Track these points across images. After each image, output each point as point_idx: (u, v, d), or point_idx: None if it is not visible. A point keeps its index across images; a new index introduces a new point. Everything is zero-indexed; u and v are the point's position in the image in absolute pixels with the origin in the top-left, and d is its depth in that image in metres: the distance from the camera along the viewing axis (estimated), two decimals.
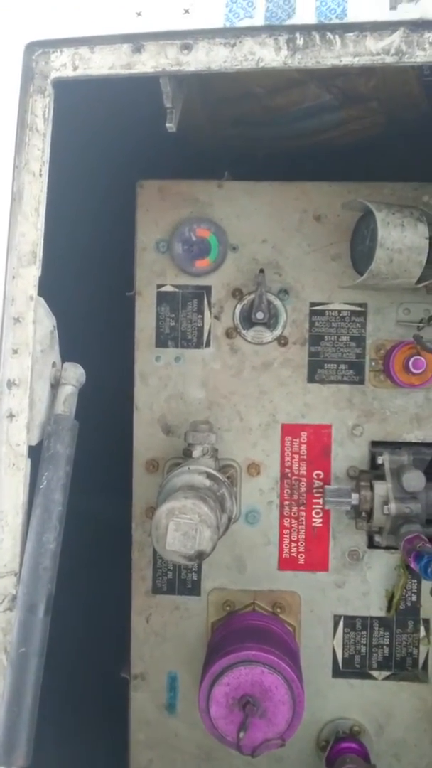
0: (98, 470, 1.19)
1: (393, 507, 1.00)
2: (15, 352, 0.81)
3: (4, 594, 0.78)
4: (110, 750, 1.14)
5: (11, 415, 0.81)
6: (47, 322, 0.85)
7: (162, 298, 1.11)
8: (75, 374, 0.86)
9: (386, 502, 1.01)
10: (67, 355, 0.91)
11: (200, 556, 0.87)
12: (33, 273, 0.82)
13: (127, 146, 1.17)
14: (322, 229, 1.09)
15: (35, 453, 0.82)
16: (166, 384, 1.11)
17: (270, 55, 0.82)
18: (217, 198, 1.10)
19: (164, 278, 1.11)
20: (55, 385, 0.86)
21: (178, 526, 0.86)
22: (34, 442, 0.82)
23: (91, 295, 1.27)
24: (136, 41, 0.84)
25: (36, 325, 0.82)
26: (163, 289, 1.11)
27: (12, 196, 0.83)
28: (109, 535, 1.22)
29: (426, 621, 1.10)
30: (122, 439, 1.12)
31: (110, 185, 1.16)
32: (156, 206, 1.10)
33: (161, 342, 1.11)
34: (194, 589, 1.11)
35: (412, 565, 0.94)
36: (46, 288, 0.86)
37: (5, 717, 0.70)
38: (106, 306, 1.19)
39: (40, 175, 0.83)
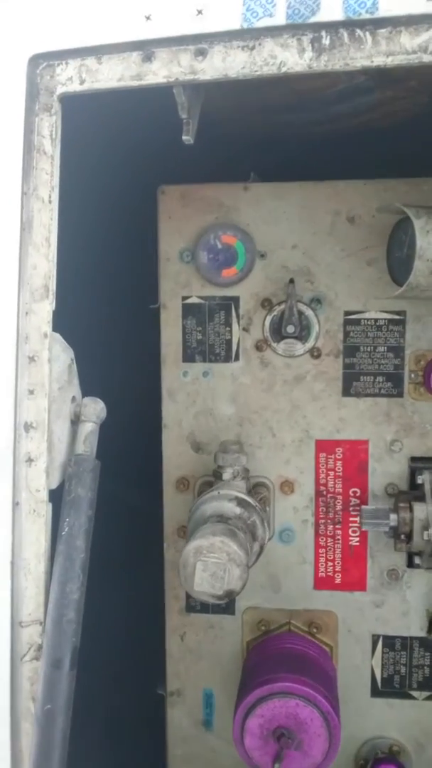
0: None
1: None
2: (31, 392, 0.78)
3: (30, 643, 0.77)
4: (149, 766, 1.14)
5: (30, 460, 0.77)
6: (64, 356, 0.81)
7: (188, 310, 1.05)
8: (95, 410, 0.83)
9: (426, 527, 0.96)
10: (91, 377, 0.87)
11: (230, 595, 0.84)
12: (46, 308, 0.78)
13: (146, 152, 1.10)
14: (356, 231, 1.02)
15: (57, 495, 0.80)
16: (194, 400, 1.06)
17: (293, 58, 0.74)
18: (242, 202, 1.03)
19: (189, 289, 1.05)
20: (75, 421, 0.83)
21: (206, 567, 0.83)
22: (54, 486, 0.79)
23: (115, 311, 1.22)
24: (146, 48, 0.77)
25: (52, 363, 0.78)
26: (188, 301, 1.05)
27: (21, 226, 0.78)
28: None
29: None
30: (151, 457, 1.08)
31: (130, 194, 1.10)
32: (178, 213, 1.04)
33: (188, 356, 1.06)
34: (228, 608, 1.09)
35: None
36: (68, 309, 0.82)
37: None
38: (130, 320, 1.14)
39: (50, 201, 0.78)
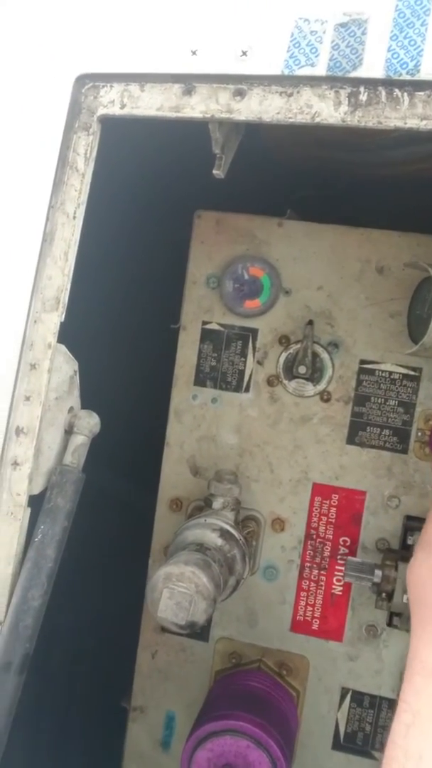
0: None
1: None
2: (27, 399, 0.80)
3: None
4: None
5: (15, 463, 0.80)
6: (66, 367, 0.83)
7: (206, 335, 1.06)
8: (89, 424, 0.84)
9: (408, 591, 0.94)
10: (104, 386, 0.88)
11: (192, 626, 0.84)
12: (54, 320, 0.80)
13: (188, 174, 1.12)
14: (383, 282, 1.01)
15: (38, 501, 0.82)
16: (200, 424, 1.07)
17: (328, 110, 0.74)
18: (275, 237, 1.04)
19: (211, 315, 1.06)
20: (69, 431, 0.85)
21: (173, 595, 0.83)
22: (36, 491, 0.81)
23: (135, 327, 1.24)
24: (188, 82, 0.78)
25: (52, 373, 0.80)
26: (208, 326, 1.06)
27: (43, 237, 0.81)
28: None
29: None
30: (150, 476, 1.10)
31: (166, 216, 1.12)
32: (211, 239, 1.05)
33: (200, 380, 1.07)
34: (203, 634, 1.09)
35: None
36: (86, 319, 0.84)
37: None
38: (149, 338, 1.16)
39: (74, 217, 0.80)
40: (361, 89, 0.73)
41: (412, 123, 0.72)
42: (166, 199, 1.10)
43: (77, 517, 0.82)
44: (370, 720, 1.05)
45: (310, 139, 1.19)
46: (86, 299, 0.87)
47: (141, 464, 1.14)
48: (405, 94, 0.72)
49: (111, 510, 1.33)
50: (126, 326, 1.20)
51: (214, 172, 0.83)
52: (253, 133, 1.08)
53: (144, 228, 1.19)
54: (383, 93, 0.73)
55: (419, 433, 1.01)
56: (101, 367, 0.99)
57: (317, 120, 0.75)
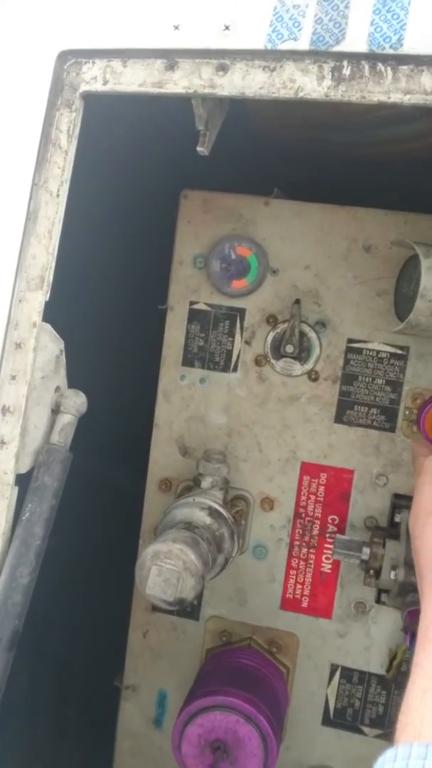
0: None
1: (401, 573, 0.94)
2: (13, 378, 0.80)
3: None
4: (95, 754, 1.16)
5: (2, 442, 0.80)
6: (52, 346, 0.83)
7: (193, 315, 1.06)
8: (75, 403, 0.84)
9: (395, 567, 0.95)
10: (93, 367, 0.88)
11: (180, 603, 0.85)
12: (39, 298, 0.80)
13: (174, 156, 1.11)
14: (371, 260, 1.01)
15: (25, 480, 0.82)
16: (188, 404, 1.07)
17: (311, 85, 0.74)
18: (262, 216, 1.03)
19: (198, 295, 1.06)
20: (56, 410, 0.85)
21: (161, 572, 0.84)
22: (24, 470, 0.81)
23: (122, 307, 1.24)
24: (171, 57, 0.78)
25: (38, 352, 0.80)
26: (195, 306, 1.06)
27: (27, 216, 0.80)
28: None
29: None
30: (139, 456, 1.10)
31: (152, 196, 1.11)
32: (198, 219, 1.05)
33: (188, 361, 1.07)
34: (193, 613, 1.10)
35: (407, 643, 0.88)
36: (73, 300, 0.84)
37: None
38: (138, 318, 1.16)
39: (58, 195, 0.80)
40: (345, 63, 0.73)
41: (396, 97, 0.72)
42: (152, 179, 1.09)
43: (68, 502, 0.82)
44: (359, 696, 1.06)
45: (297, 119, 1.18)
46: (71, 280, 0.87)
47: (129, 446, 1.14)
48: (388, 68, 0.72)
49: (101, 493, 1.34)
50: (112, 307, 1.19)
51: (198, 148, 0.82)
52: (241, 113, 1.08)
53: (130, 207, 1.18)
54: (366, 67, 0.73)
55: (407, 412, 1.01)
56: (88, 349, 0.99)
57: (300, 95, 0.74)
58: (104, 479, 1.37)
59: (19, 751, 1.15)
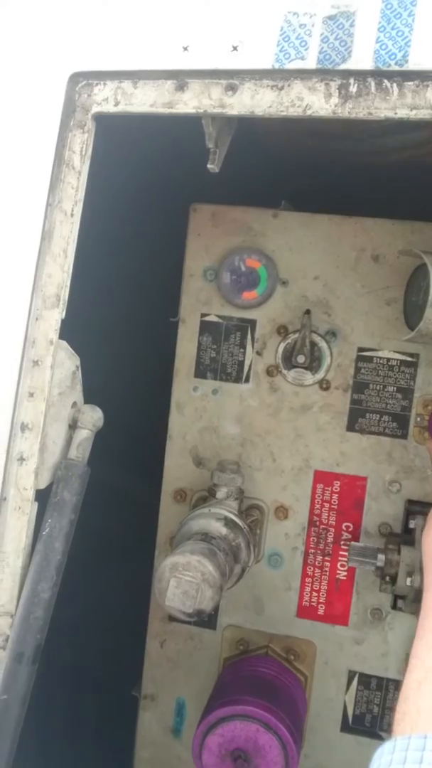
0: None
1: (417, 579, 0.94)
2: (31, 395, 0.81)
3: (0, 633, 0.80)
4: (116, 763, 1.17)
5: (21, 459, 0.81)
6: (69, 363, 0.85)
7: (205, 327, 1.08)
8: (92, 418, 0.85)
9: (411, 573, 0.95)
10: (107, 381, 0.90)
11: (199, 614, 0.86)
12: (55, 317, 0.81)
13: (184, 168, 1.13)
14: (379, 270, 1.02)
15: (45, 495, 0.83)
16: (201, 415, 1.09)
17: (319, 102, 0.75)
18: (271, 228, 1.05)
19: (209, 307, 1.07)
20: (73, 425, 0.86)
21: (179, 584, 0.85)
22: (42, 486, 0.82)
23: (134, 320, 1.25)
24: (180, 78, 0.79)
25: (55, 369, 0.82)
26: (207, 318, 1.08)
27: (42, 235, 0.82)
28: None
29: None
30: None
31: (163, 208, 1.13)
32: (208, 232, 1.06)
33: (200, 372, 1.08)
34: (210, 622, 1.11)
35: None
36: (86, 314, 0.85)
37: None
38: (149, 331, 1.17)
39: (72, 215, 0.81)
40: (351, 81, 0.74)
41: (402, 113, 0.73)
42: (162, 194, 1.11)
43: (84, 513, 0.84)
44: (377, 702, 1.07)
45: (302, 130, 1.20)
46: (86, 296, 0.88)
47: (144, 458, 1.15)
48: (394, 84, 0.73)
49: (116, 504, 1.35)
50: (125, 322, 1.21)
51: (209, 166, 0.83)
52: (248, 127, 1.10)
53: (141, 222, 1.20)
54: (372, 84, 0.74)
55: (418, 419, 1.02)
56: (102, 363, 1.00)
57: (309, 113, 0.76)
58: (119, 489, 1.38)
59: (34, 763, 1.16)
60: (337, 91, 0.75)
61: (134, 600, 1.18)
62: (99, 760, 1.20)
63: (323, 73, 0.75)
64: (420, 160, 1.21)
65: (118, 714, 1.19)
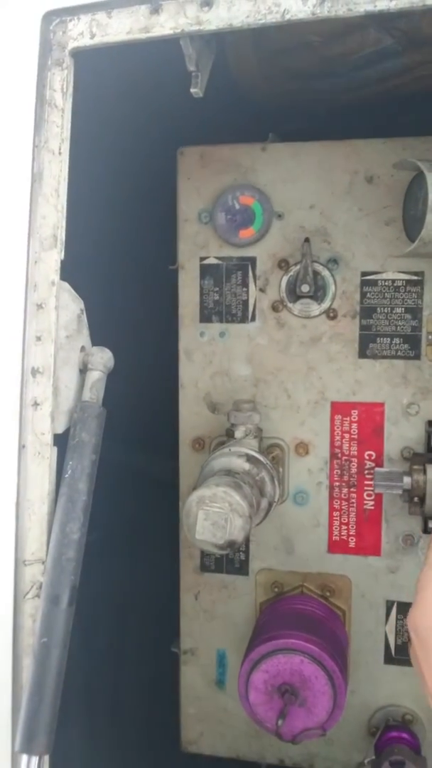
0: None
1: None
2: (38, 339, 0.80)
3: (32, 581, 0.79)
4: (162, 723, 1.16)
5: (36, 404, 0.80)
6: (73, 306, 0.83)
7: (205, 271, 1.06)
8: (102, 359, 0.84)
9: None
10: (109, 334, 0.89)
11: (231, 545, 0.84)
12: (54, 257, 0.80)
13: (169, 115, 1.12)
14: (374, 191, 1.00)
15: (63, 439, 0.82)
16: (210, 360, 1.07)
17: (297, 6, 0.74)
18: (260, 162, 1.03)
19: (207, 250, 1.06)
20: (83, 370, 0.85)
21: (208, 515, 0.83)
22: (60, 430, 0.81)
23: (135, 271, 1.24)
24: (154, 1, 0.78)
25: (59, 310, 0.80)
26: (206, 261, 1.06)
27: (32, 177, 0.81)
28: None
29: None
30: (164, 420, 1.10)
31: (150, 155, 1.11)
32: (197, 174, 1.05)
33: (205, 317, 1.07)
34: (242, 568, 1.09)
35: None
36: (86, 267, 0.84)
37: (27, 706, 0.71)
38: (149, 280, 1.16)
39: (60, 153, 0.80)
40: None
41: (382, 5, 0.72)
42: (149, 138, 1.10)
43: (103, 489, 0.82)
44: None
45: (278, 71, 1.19)
46: (80, 248, 0.87)
47: (151, 429, 1.14)
48: None
49: (132, 479, 1.34)
50: (122, 273, 1.19)
51: (192, 90, 0.82)
52: (228, 79, 1.08)
53: (130, 167, 1.19)
54: None
55: (430, 337, 1.00)
56: (101, 320, 0.99)
57: (287, 17, 0.74)
58: (131, 463, 1.37)
59: (79, 732, 1.15)
60: None
61: (163, 564, 1.17)
62: (146, 723, 1.19)
63: None
64: (402, 89, 1.19)
65: (163, 674, 1.18)
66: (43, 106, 0.81)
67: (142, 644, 1.27)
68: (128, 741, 1.19)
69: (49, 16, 0.81)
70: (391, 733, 1.02)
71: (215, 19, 0.76)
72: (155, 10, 0.78)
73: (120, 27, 0.79)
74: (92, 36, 0.80)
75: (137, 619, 1.34)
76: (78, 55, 0.81)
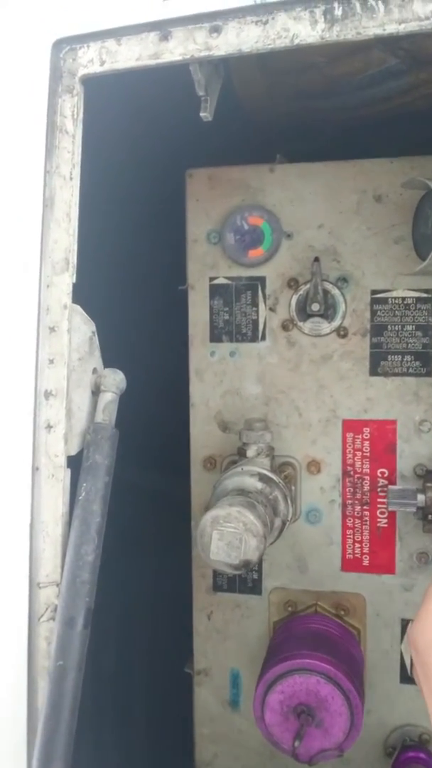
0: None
1: None
2: (51, 362, 0.81)
3: (47, 604, 0.79)
4: (175, 744, 1.15)
5: (49, 426, 0.80)
6: (85, 328, 0.84)
7: (215, 291, 1.07)
8: (115, 381, 0.85)
9: None
10: (121, 356, 0.89)
11: (246, 565, 0.84)
12: (66, 281, 0.81)
13: (178, 138, 1.13)
14: (383, 210, 1.01)
15: (76, 462, 0.82)
16: (221, 380, 1.08)
17: (306, 30, 0.75)
18: (268, 183, 1.04)
19: (217, 270, 1.07)
20: (96, 392, 0.85)
21: (222, 536, 0.83)
22: (73, 452, 0.81)
23: (145, 292, 1.25)
24: (164, 28, 0.79)
25: (72, 333, 0.81)
26: (215, 281, 1.07)
27: (44, 203, 0.82)
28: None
29: None
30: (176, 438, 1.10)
31: (159, 177, 1.13)
32: (206, 195, 1.06)
33: (215, 336, 1.07)
34: (255, 588, 1.09)
35: None
36: (96, 289, 0.85)
37: (43, 730, 0.71)
38: (160, 302, 1.17)
39: (71, 178, 0.81)
40: (335, 4, 0.74)
41: (391, 28, 0.73)
42: (159, 162, 1.11)
43: (117, 510, 0.82)
44: None
45: (284, 92, 1.20)
46: (91, 270, 0.88)
47: (164, 449, 1.14)
48: (379, 1, 0.73)
49: (145, 499, 1.34)
50: (132, 295, 1.20)
51: (201, 114, 0.83)
52: (233, 99, 1.09)
53: (140, 189, 1.20)
54: (357, 4, 0.73)
55: None
56: (113, 340, 1.00)
57: (296, 42, 0.75)
58: (143, 484, 1.37)
59: (91, 752, 1.14)
60: (323, 16, 0.74)
61: (176, 582, 1.17)
62: (158, 745, 1.18)
63: (306, 2, 0.75)
64: (408, 107, 1.20)
65: (175, 695, 1.17)
66: (54, 132, 0.82)
67: (151, 663, 1.26)
68: (139, 763, 1.18)
69: (60, 44, 0.82)
70: (408, 753, 1.01)
71: (224, 45, 0.77)
72: (165, 37, 0.79)
73: (129, 54, 0.80)
74: (102, 63, 0.81)
75: (148, 637, 1.33)
76: (88, 81, 0.82)
